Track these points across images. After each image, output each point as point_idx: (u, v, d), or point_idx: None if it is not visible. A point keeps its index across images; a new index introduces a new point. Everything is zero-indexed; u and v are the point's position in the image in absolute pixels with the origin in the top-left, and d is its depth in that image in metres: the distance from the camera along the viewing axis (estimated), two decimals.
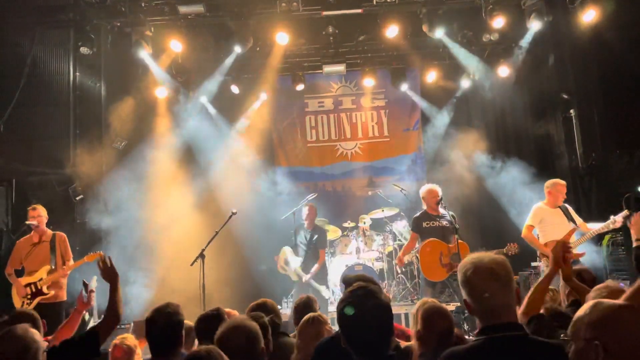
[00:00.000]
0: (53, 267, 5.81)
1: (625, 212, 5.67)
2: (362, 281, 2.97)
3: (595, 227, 5.91)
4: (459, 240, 6.02)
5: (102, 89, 8.14)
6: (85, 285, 3.82)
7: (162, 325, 2.68)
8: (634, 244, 3.79)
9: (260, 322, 2.77)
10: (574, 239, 5.88)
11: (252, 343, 2.14)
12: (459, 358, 1.97)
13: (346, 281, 2.94)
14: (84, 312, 3.95)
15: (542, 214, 6.26)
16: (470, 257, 2.03)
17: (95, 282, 6.80)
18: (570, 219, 6.18)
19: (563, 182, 6.34)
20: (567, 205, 6.35)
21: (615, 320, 1.53)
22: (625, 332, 1.51)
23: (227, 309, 3.89)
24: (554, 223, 6.14)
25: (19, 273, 5.91)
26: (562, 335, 2.29)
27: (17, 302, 5.68)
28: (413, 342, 3.16)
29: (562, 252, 2.66)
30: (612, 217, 5.73)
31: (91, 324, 6.63)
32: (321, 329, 3.07)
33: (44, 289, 5.69)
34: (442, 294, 7.09)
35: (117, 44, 8.38)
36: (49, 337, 3.80)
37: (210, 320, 3.07)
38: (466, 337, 3.62)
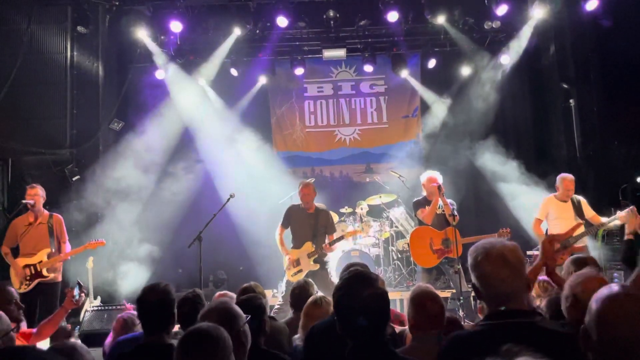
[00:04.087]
0: (53, 250, 5.80)
1: (632, 207, 5.39)
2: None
3: (604, 220, 5.83)
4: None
5: (100, 68, 8.07)
6: (80, 285, 3.76)
7: (153, 304, 2.69)
8: (626, 237, 3.82)
9: (257, 303, 2.80)
10: (581, 230, 5.79)
11: (228, 324, 2.14)
12: (464, 341, 1.96)
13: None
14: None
15: (549, 207, 6.23)
16: (482, 242, 2.01)
17: (91, 262, 6.85)
18: (580, 213, 6.08)
19: (570, 178, 6.22)
20: (580, 198, 6.24)
21: (612, 310, 1.48)
22: (619, 323, 1.45)
23: (224, 291, 3.91)
24: (560, 217, 6.11)
25: (13, 253, 5.88)
26: None
27: (15, 283, 5.65)
28: (407, 327, 3.20)
29: (550, 246, 2.65)
30: (618, 212, 5.55)
31: (87, 304, 6.66)
32: (328, 310, 3.11)
33: (44, 272, 5.69)
34: (437, 281, 7.14)
35: (115, 24, 8.28)
36: (32, 330, 3.80)
37: (189, 303, 3.10)
38: (462, 323, 3.65)
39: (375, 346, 1.91)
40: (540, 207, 6.30)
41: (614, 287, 1.55)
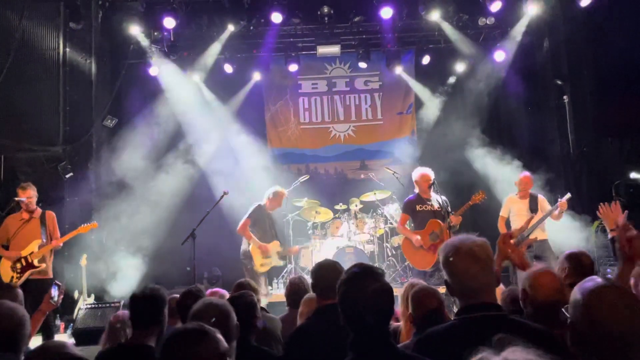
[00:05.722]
0: (44, 241, 5.76)
1: (568, 195, 6.18)
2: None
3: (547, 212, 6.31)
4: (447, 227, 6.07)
5: (93, 65, 8.03)
6: (59, 286, 3.55)
7: (141, 301, 2.73)
8: (609, 235, 3.87)
9: (248, 300, 2.81)
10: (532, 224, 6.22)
11: (222, 321, 2.16)
12: (438, 337, 2.01)
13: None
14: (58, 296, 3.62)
15: (509, 205, 6.70)
16: (452, 240, 2.06)
17: (85, 260, 6.82)
18: (534, 208, 6.49)
19: (526, 175, 6.72)
20: (538, 195, 6.69)
21: (598, 303, 1.51)
22: (607, 315, 1.48)
23: (216, 289, 3.92)
24: (517, 214, 6.55)
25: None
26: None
27: (5, 275, 5.60)
28: (401, 323, 3.21)
29: (504, 244, 2.73)
30: (559, 200, 6.19)
31: (81, 302, 6.64)
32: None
33: (35, 262, 5.64)
34: (432, 277, 7.13)
35: (108, 20, 8.24)
36: None
37: (192, 297, 3.11)
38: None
39: (378, 340, 1.91)
40: (503, 205, 6.79)
41: (597, 280, 1.57)
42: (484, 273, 1.96)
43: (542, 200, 6.67)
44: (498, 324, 1.90)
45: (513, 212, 6.62)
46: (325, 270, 2.95)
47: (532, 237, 6.22)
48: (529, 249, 6.28)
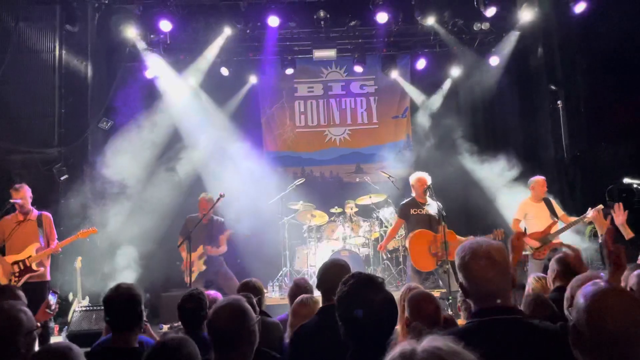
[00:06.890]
0: (42, 245, 5.73)
1: (600, 206, 5.99)
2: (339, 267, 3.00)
3: (572, 219, 6.30)
4: (446, 229, 6.10)
5: (89, 67, 8.01)
6: (56, 293, 3.52)
7: (118, 302, 2.71)
8: (600, 240, 3.89)
9: (247, 301, 2.80)
10: (557, 228, 6.28)
11: (241, 322, 2.17)
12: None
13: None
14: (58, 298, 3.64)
15: (526, 209, 6.61)
16: (469, 243, 2.04)
17: (79, 262, 6.80)
18: (552, 211, 6.50)
19: (542, 178, 6.70)
20: (551, 198, 6.66)
21: (601, 306, 1.50)
22: (610, 318, 1.47)
23: (208, 291, 3.92)
24: (536, 217, 6.49)
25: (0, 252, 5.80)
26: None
27: (3, 279, 5.57)
28: (398, 327, 3.22)
29: (520, 242, 2.73)
30: (589, 209, 6.03)
31: (75, 304, 6.62)
32: (315, 309, 3.16)
33: (33, 266, 5.62)
34: (426, 281, 7.17)
35: (104, 22, 8.23)
36: None
37: (194, 300, 3.16)
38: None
39: (380, 349, 1.91)
40: (518, 209, 6.70)
41: (599, 283, 1.57)
42: (500, 276, 1.95)
43: (555, 203, 6.67)
44: (513, 327, 1.90)
45: (531, 215, 6.56)
46: (334, 269, 2.96)
47: (556, 241, 6.31)
48: (553, 252, 6.38)
